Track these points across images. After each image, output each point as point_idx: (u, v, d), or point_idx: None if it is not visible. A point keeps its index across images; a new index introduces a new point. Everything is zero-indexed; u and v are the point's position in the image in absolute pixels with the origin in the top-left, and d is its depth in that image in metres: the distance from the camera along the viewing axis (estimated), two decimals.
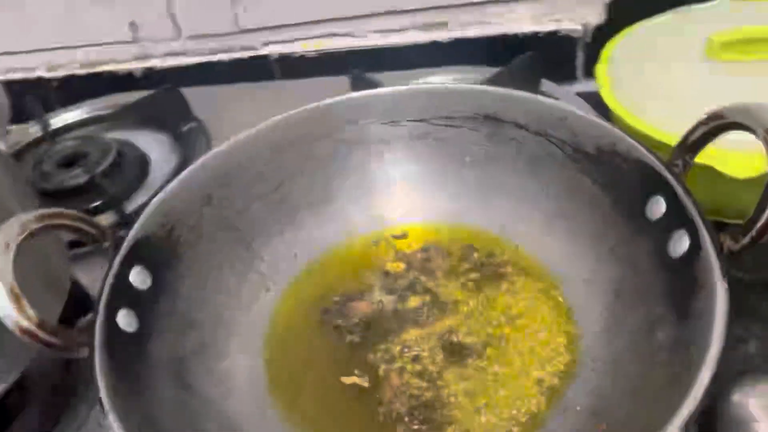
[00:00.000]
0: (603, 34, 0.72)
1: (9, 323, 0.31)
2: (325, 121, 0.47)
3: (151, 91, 0.74)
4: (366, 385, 0.40)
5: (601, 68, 0.62)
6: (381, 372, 0.40)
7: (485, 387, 0.38)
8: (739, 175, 0.44)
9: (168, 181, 0.42)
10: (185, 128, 0.72)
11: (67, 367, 0.47)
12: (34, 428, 0.45)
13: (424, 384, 0.39)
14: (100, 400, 0.31)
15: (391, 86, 0.47)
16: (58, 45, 0.83)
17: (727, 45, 0.56)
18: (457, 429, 0.37)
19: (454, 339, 0.41)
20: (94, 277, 0.43)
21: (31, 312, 0.32)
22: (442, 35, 0.77)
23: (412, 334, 0.41)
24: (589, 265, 0.41)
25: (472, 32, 0.76)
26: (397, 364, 0.40)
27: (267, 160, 0.46)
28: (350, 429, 0.38)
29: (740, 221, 0.35)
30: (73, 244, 0.50)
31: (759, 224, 0.31)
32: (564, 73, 0.76)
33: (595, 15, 0.73)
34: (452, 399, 0.38)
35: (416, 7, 0.76)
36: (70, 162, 0.66)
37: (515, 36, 0.75)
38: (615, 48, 0.64)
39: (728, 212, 0.51)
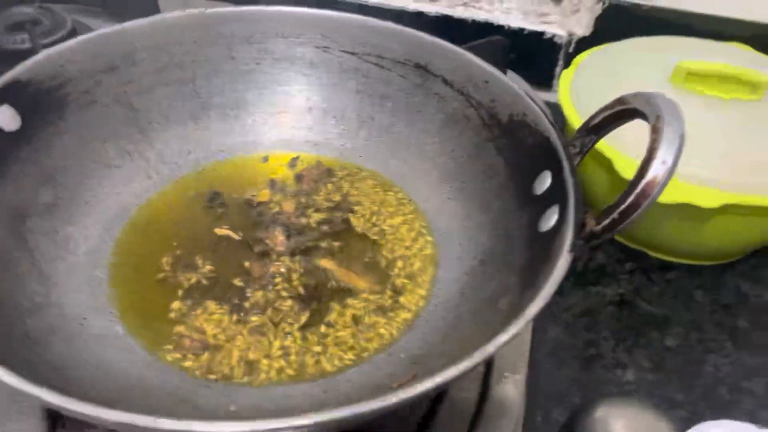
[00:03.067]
0: (585, 46, 0.71)
1: None
2: (257, 27, 0.45)
3: None
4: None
5: (567, 73, 0.61)
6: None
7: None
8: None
9: None
10: None
11: None
12: None
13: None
14: None
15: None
16: None
17: (693, 75, 0.55)
18: None
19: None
20: None
21: None
22: (429, 8, 0.76)
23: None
24: (467, 232, 0.40)
25: (459, 12, 0.75)
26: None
27: (186, 49, 0.44)
28: None
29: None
30: None
31: (622, 207, 0.30)
32: (542, 76, 0.75)
33: (582, 26, 0.72)
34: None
35: None
36: (21, 26, 0.64)
37: (501, 27, 0.74)
38: (587, 58, 0.63)
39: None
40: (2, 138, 0.36)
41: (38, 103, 0.38)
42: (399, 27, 0.45)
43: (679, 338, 0.52)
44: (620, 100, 0.34)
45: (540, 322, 0.45)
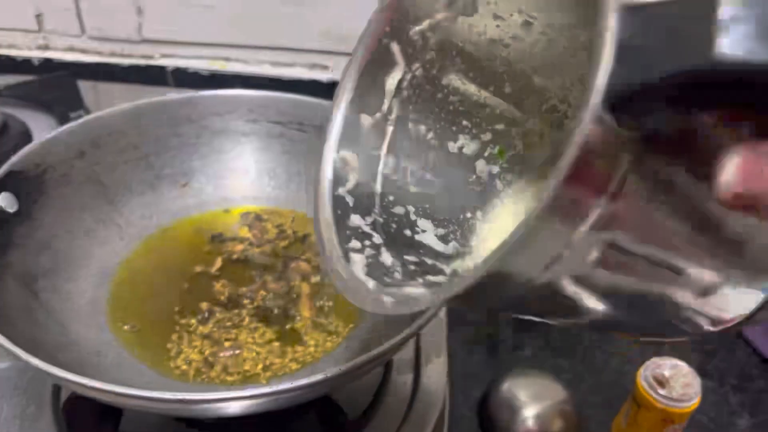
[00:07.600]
0: None
1: None
2: (196, 109, 0.55)
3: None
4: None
5: None
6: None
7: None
8: None
9: None
10: (73, 115, 0.78)
11: None
12: None
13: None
14: None
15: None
16: None
17: None
18: None
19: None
20: None
21: None
22: (322, 76, 0.88)
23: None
24: None
25: None
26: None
27: (139, 132, 0.54)
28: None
29: None
30: None
31: None
32: None
33: None
34: None
35: (307, 48, 0.86)
36: None
37: None
38: None
39: None
40: (8, 219, 0.44)
41: (28, 187, 0.47)
42: (313, 99, 0.56)
43: None
44: None
45: (452, 320, 0.56)
